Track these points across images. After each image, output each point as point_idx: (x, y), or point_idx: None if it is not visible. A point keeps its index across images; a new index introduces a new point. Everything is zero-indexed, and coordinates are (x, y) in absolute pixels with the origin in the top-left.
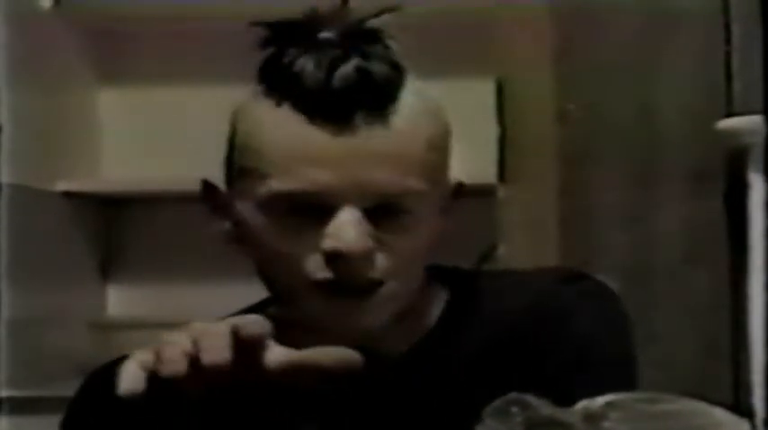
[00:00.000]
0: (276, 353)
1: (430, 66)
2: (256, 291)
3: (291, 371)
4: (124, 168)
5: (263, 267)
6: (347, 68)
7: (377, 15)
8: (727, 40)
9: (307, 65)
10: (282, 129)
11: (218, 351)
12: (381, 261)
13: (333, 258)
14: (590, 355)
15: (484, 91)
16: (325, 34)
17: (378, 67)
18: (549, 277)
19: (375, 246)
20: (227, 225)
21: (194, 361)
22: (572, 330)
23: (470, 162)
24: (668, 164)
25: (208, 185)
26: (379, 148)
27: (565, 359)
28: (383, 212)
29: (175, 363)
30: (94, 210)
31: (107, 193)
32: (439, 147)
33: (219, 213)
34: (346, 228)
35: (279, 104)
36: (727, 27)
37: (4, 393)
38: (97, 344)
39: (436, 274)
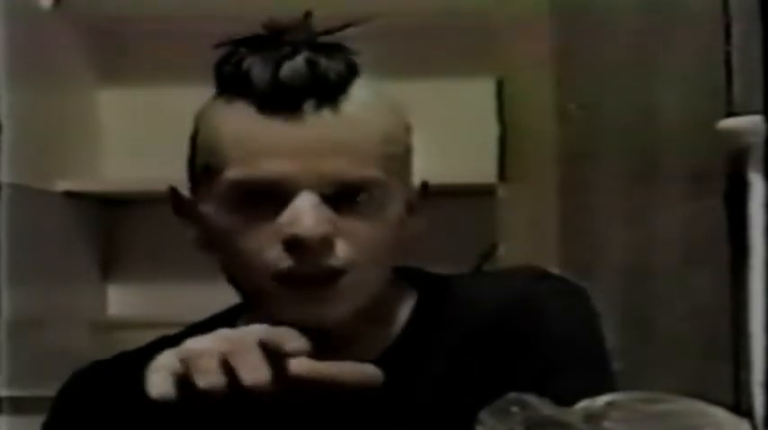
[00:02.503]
0: (298, 364)
1: (430, 65)
2: None
3: (310, 383)
4: (124, 168)
5: (229, 269)
6: (296, 61)
7: (340, 29)
8: (728, 40)
9: (255, 62)
10: (234, 122)
11: (257, 371)
12: (342, 248)
13: (292, 244)
14: (564, 353)
15: (484, 90)
16: (283, 40)
17: (326, 60)
18: (517, 277)
19: (335, 231)
20: (194, 231)
21: (227, 369)
22: (544, 329)
23: (471, 161)
24: (669, 163)
25: (174, 192)
26: (330, 135)
27: (539, 358)
28: (343, 199)
29: (212, 376)
30: (95, 210)
31: (107, 193)
32: (397, 142)
33: (186, 219)
34: (303, 212)
35: (231, 101)
36: (728, 27)
37: (5, 393)
38: (97, 344)
39: (403, 277)
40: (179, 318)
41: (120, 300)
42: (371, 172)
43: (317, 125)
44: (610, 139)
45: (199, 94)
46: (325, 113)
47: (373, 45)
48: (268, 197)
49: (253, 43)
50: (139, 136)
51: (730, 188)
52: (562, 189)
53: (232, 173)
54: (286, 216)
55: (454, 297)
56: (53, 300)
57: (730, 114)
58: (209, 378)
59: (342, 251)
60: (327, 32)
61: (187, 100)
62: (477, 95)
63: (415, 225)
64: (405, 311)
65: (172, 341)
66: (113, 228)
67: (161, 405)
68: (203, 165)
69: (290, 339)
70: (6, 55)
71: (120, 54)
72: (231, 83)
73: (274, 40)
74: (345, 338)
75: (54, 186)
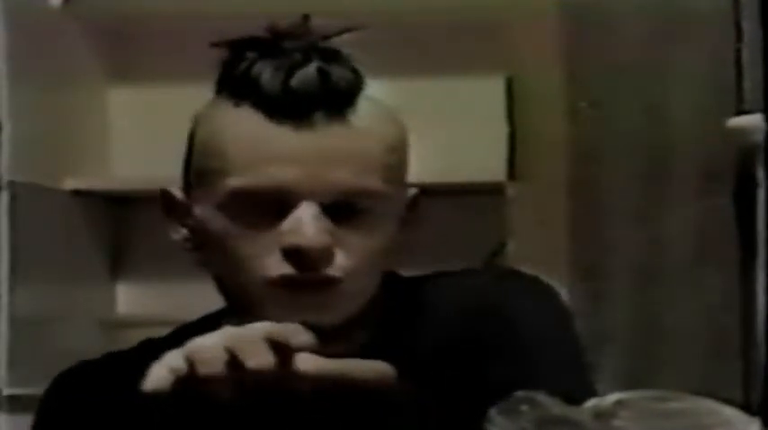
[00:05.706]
0: (307, 361)
1: (440, 64)
2: None
3: (321, 380)
4: (133, 166)
5: (220, 273)
6: (308, 70)
7: (339, 34)
8: (738, 39)
9: (265, 68)
10: (241, 128)
11: (261, 356)
12: (340, 258)
13: (292, 254)
14: (527, 352)
15: (494, 89)
16: (286, 44)
17: (338, 70)
18: (480, 276)
19: (333, 242)
20: (183, 232)
21: (234, 365)
22: (507, 327)
23: (480, 160)
24: (679, 162)
25: (166, 193)
26: (338, 146)
27: (503, 357)
28: (342, 210)
29: (215, 365)
30: (104, 209)
31: (116, 192)
32: (397, 151)
33: (176, 220)
34: (305, 222)
35: (238, 105)
36: (738, 26)
37: (14, 391)
38: (107, 343)
39: None
40: (188, 316)
41: (130, 298)
42: (373, 182)
43: (324, 135)
44: (620, 138)
45: (209, 93)
46: (334, 124)
47: (382, 45)
48: (269, 204)
49: (255, 46)
50: (148, 134)
51: (740, 186)
52: (571, 188)
53: (236, 180)
54: (287, 225)
55: (420, 299)
56: (62, 298)
57: (740, 112)
58: (211, 367)
59: (340, 261)
60: (327, 37)
61: (196, 99)
62: (487, 94)
63: (405, 235)
64: (375, 314)
65: (159, 342)
66: (122, 226)
67: (153, 405)
68: (202, 167)
69: (297, 334)
70: (16, 53)
71: (129, 53)
72: (240, 87)
73: (277, 44)
74: (330, 339)
75: (63, 185)
